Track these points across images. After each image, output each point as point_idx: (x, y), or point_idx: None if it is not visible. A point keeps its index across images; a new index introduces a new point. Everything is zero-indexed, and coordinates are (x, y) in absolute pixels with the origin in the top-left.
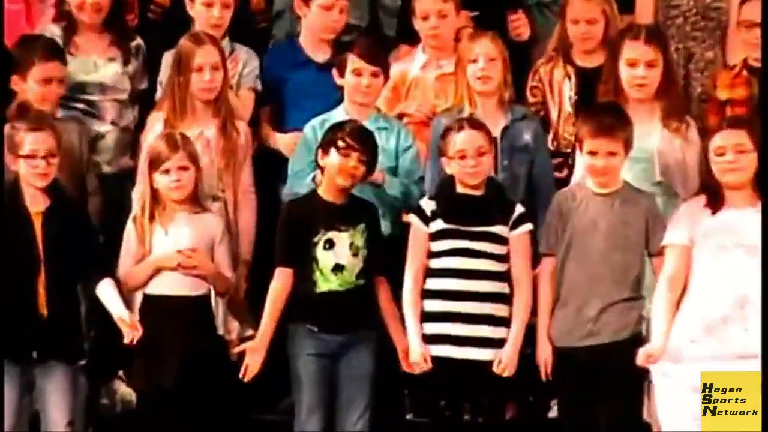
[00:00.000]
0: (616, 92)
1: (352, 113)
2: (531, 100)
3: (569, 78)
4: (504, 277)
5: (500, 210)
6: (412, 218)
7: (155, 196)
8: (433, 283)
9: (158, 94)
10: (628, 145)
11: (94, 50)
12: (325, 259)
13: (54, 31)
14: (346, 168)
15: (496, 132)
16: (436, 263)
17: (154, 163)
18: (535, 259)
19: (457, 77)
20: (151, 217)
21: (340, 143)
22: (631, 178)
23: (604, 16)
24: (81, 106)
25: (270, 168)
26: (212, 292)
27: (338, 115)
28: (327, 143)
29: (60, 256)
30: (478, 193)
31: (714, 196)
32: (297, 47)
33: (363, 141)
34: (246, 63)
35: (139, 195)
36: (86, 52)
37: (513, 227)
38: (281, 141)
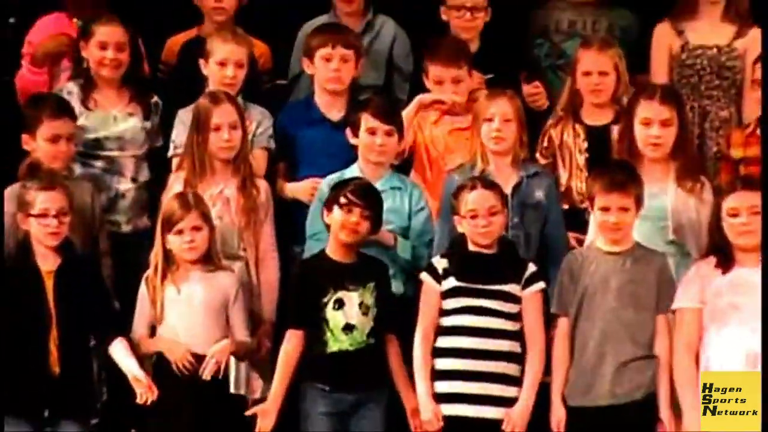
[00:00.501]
0: (630, 152)
1: (366, 172)
2: (542, 161)
3: (579, 137)
4: (516, 335)
5: (512, 268)
6: (424, 276)
7: (168, 256)
8: (444, 341)
9: (170, 152)
10: (639, 202)
11: (113, 105)
12: (335, 319)
13: (71, 89)
14: (348, 224)
15: (508, 189)
16: (448, 321)
17: (167, 224)
18: (548, 318)
19: (471, 134)
20: (163, 277)
21: (343, 199)
22: (644, 236)
23: (615, 71)
24: (100, 163)
25: (288, 227)
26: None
27: (352, 173)
28: (331, 200)
29: (72, 314)
30: (490, 251)
31: (725, 257)
32: (312, 105)
33: (366, 197)
34: (259, 123)
35: (153, 256)
36: (105, 107)
37: (525, 286)
38: (297, 188)
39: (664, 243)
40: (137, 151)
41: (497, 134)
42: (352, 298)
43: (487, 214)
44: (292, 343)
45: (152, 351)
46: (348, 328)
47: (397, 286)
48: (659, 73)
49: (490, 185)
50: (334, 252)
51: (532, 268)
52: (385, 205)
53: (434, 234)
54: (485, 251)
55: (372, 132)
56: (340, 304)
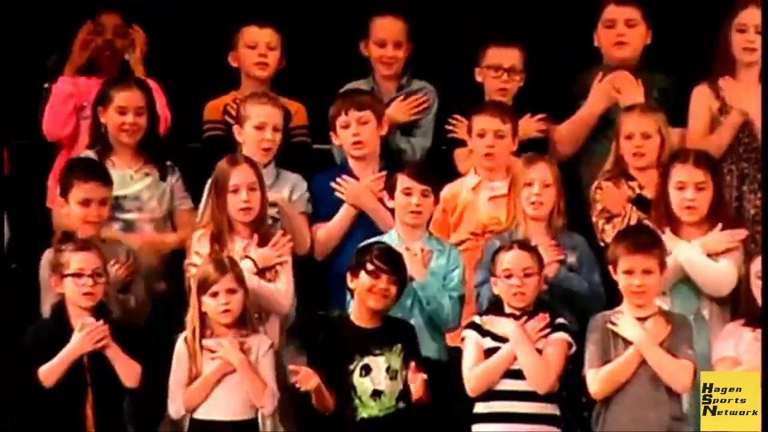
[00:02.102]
0: (668, 217)
1: (403, 236)
2: (598, 207)
3: (634, 194)
4: (550, 398)
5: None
6: (469, 333)
7: (204, 319)
8: (481, 407)
9: (198, 218)
10: (662, 265)
11: (130, 166)
12: (362, 385)
13: (89, 156)
14: (377, 289)
15: None
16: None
17: (203, 286)
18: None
19: (509, 199)
20: (201, 340)
21: (369, 266)
22: (681, 300)
23: (659, 135)
24: (118, 225)
25: (317, 289)
26: (259, 416)
27: (391, 239)
28: (355, 266)
29: (107, 378)
30: (525, 313)
31: (754, 318)
32: (346, 170)
33: (392, 262)
34: (294, 187)
35: (189, 318)
36: (121, 167)
37: (551, 333)
38: (357, 191)
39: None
40: (155, 213)
41: (536, 199)
42: (379, 363)
43: (522, 274)
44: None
45: (203, 395)
46: (376, 394)
47: (433, 349)
48: (698, 134)
49: (527, 247)
50: (359, 318)
51: (560, 319)
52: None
53: (474, 288)
54: (519, 312)
55: (408, 193)
56: (366, 370)
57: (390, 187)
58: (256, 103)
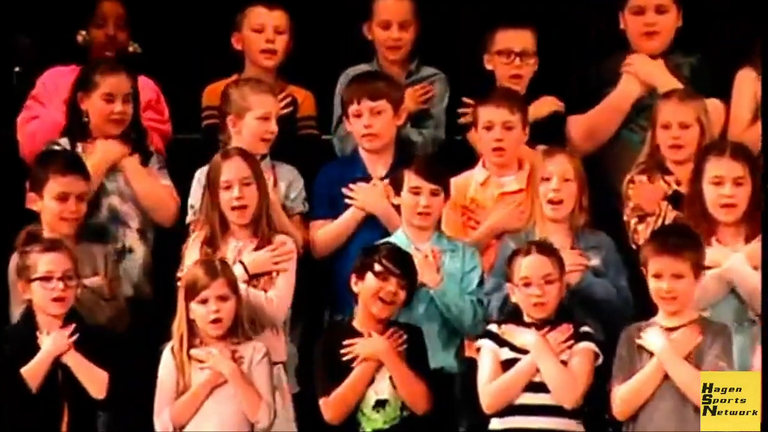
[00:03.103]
0: (703, 215)
1: (411, 237)
2: (630, 204)
3: (670, 190)
4: (574, 414)
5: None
6: (484, 342)
7: (192, 327)
8: (496, 423)
9: (189, 217)
10: (697, 270)
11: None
12: (365, 397)
13: (63, 145)
14: (385, 294)
15: None
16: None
17: (191, 292)
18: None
19: (527, 197)
20: (189, 350)
21: (377, 267)
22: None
23: (699, 124)
24: (104, 212)
25: (323, 291)
26: None
27: (397, 240)
28: (361, 267)
29: (82, 392)
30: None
31: None
32: (357, 161)
33: (401, 263)
34: (290, 183)
35: (176, 326)
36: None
37: (575, 342)
38: (366, 195)
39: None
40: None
41: (555, 195)
42: (382, 371)
43: (542, 281)
44: (329, 413)
45: (194, 409)
46: (379, 404)
47: (444, 360)
48: (742, 120)
49: (547, 250)
50: (363, 324)
51: (585, 328)
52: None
53: (484, 296)
54: (538, 322)
55: (416, 192)
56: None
57: (396, 184)
58: (257, 92)
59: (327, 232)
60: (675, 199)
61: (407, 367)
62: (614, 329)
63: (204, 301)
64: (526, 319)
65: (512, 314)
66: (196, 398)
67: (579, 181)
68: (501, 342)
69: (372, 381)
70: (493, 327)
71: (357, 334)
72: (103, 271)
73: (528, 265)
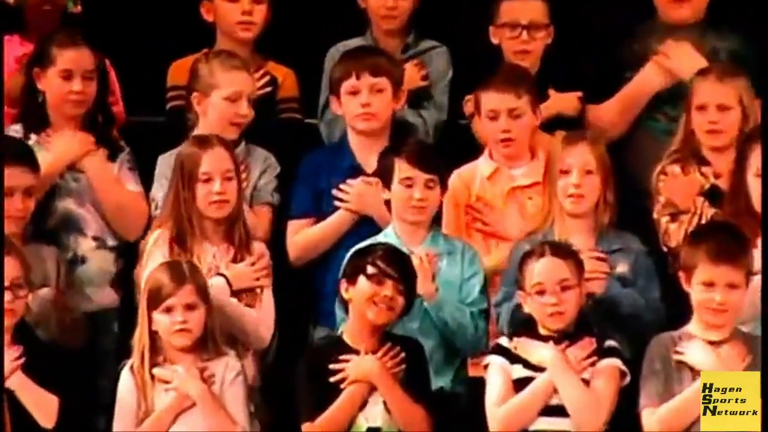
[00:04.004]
0: (748, 213)
1: (403, 235)
2: (661, 200)
3: (707, 183)
4: None
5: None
6: (494, 359)
7: (155, 340)
8: None
9: (152, 211)
10: (749, 278)
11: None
12: (356, 424)
13: (17, 132)
14: (380, 298)
15: None
16: None
17: (155, 299)
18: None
19: (544, 189)
20: (151, 367)
21: (370, 269)
22: None
23: (740, 106)
24: (53, 219)
25: (307, 303)
26: None
27: (387, 239)
28: (352, 271)
29: (29, 421)
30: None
31: None
32: (345, 150)
33: (398, 265)
34: (263, 171)
35: (136, 339)
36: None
37: (598, 359)
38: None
39: None
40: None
41: (575, 190)
42: (375, 394)
43: (558, 288)
44: None
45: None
46: None
47: (444, 382)
48: None
49: (564, 253)
50: (354, 336)
51: (609, 343)
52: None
53: (493, 307)
54: (555, 335)
55: (409, 184)
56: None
57: (385, 174)
58: (227, 68)
59: (309, 236)
60: (712, 194)
61: (403, 392)
62: (642, 345)
63: (169, 310)
64: (541, 331)
65: (525, 326)
66: (159, 424)
67: (603, 172)
68: (513, 358)
69: (363, 405)
70: (503, 341)
71: (347, 348)
72: (54, 279)
73: (541, 269)
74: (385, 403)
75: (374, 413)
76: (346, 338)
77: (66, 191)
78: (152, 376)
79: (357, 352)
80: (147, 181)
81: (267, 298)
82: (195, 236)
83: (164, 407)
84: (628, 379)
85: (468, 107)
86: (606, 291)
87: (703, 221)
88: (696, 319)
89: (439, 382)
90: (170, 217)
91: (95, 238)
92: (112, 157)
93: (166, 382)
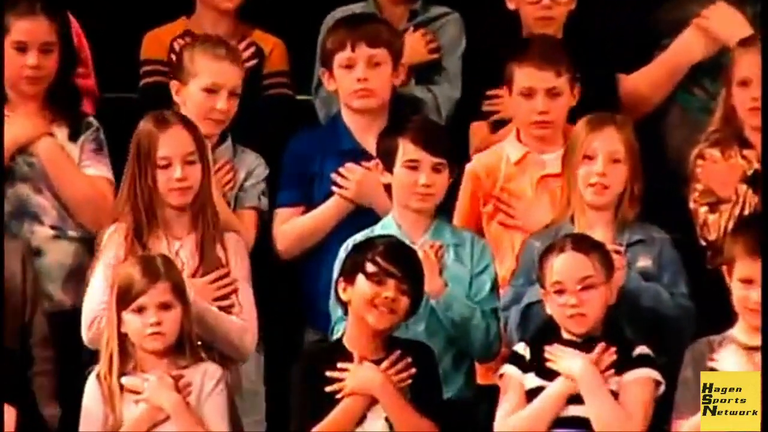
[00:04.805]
0: None
1: (404, 224)
2: (698, 188)
3: (750, 169)
4: None
5: (617, 359)
6: (508, 369)
7: (125, 344)
8: None
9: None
10: None
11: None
12: None
13: None
14: (381, 300)
15: None
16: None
17: (124, 298)
18: None
19: (563, 175)
20: (120, 374)
21: (370, 266)
22: None
23: None
24: (8, 204)
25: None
26: None
27: (386, 228)
28: (350, 269)
29: None
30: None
31: None
32: (340, 129)
33: (402, 262)
34: (250, 172)
35: (103, 344)
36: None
37: (630, 367)
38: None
39: None
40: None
41: (599, 180)
42: (377, 409)
43: (580, 287)
44: None
45: None
46: None
47: (454, 390)
48: None
49: (586, 247)
50: (354, 341)
51: (643, 349)
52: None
53: (501, 310)
54: (579, 340)
55: (413, 166)
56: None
57: (386, 156)
58: (209, 55)
59: (298, 226)
60: (756, 181)
61: (409, 406)
62: (671, 347)
63: (140, 310)
64: (564, 335)
65: (545, 328)
66: None
67: (631, 162)
68: (526, 367)
69: (362, 420)
70: (519, 347)
71: (347, 355)
72: (20, 280)
73: (561, 265)
74: (386, 418)
75: (375, 427)
76: (346, 343)
77: (20, 176)
78: (121, 385)
79: (358, 359)
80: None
81: (247, 302)
82: (156, 228)
83: (134, 420)
84: (662, 389)
85: (502, 111)
86: (627, 284)
87: (746, 212)
88: (739, 321)
89: (447, 391)
90: (127, 207)
91: (53, 228)
92: (73, 137)
93: (137, 393)
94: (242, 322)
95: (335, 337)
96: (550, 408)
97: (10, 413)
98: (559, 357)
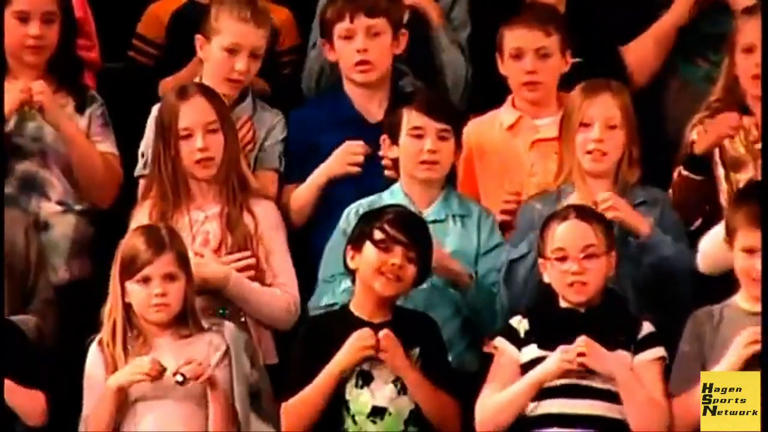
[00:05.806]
0: None
1: (412, 194)
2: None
3: (747, 135)
4: (623, 427)
5: (619, 330)
6: (499, 342)
7: (129, 313)
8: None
9: (138, 170)
10: None
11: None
12: (358, 400)
13: None
14: (388, 268)
15: None
16: (528, 407)
17: (128, 268)
18: None
19: (560, 144)
20: (124, 344)
21: (378, 234)
22: None
23: None
24: (12, 180)
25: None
26: None
27: (394, 198)
28: (358, 237)
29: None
30: (587, 308)
31: None
32: (342, 100)
33: (409, 229)
34: (269, 131)
35: (107, 312)
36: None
37: (638, 349)
38: (328, 165)
39: None
40: (66, 161)
41: (596, 146)
42: (383, 371)
43: (582, 255)
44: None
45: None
46: (377, 413)
47: (470, 361)
48: None
49: (589, 216)
50: (361, 307)
51: (648, 328)
52: (445, 242)
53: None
54: (582, 309)
55: (419, 134)
56: (365, 379)
57: (392, 128)
58: (233, 17)
59: (296, 197)
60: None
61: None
62: (674, 313)
63: (145, 281)
64: (562, 304)
65: (544, 297)
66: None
67: (628, 127)
68: (521, 341)
69: (370, 380)
70: (515, 321)
71: (356, 320)
72: (24, 248)
73: (564, 233)
74: (395, 383)
75: (382, 391)
76: (353, 308)
77: (28, 152)
78: (125, 353)
79: (365, 325)
80: (129, 138)
81: (286, 271)
82: (180, 199)
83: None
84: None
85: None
86: (650, 235)
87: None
88: (741, 290)
89: (457, 359)
90: (154, 178)
91: (60, 203)
92: (80, 109)
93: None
94: (284, 294)
95: (341, 304)
96: (520, 400)
97: (38, 398)
98: (599, 359)
